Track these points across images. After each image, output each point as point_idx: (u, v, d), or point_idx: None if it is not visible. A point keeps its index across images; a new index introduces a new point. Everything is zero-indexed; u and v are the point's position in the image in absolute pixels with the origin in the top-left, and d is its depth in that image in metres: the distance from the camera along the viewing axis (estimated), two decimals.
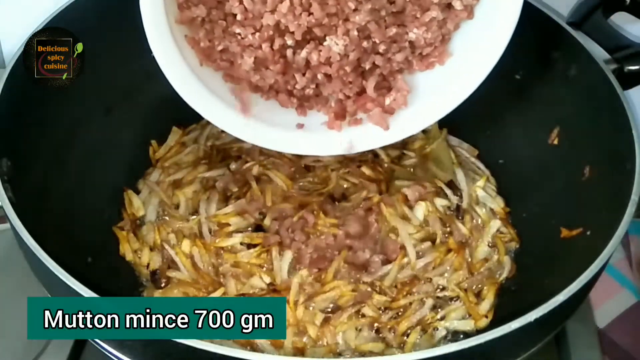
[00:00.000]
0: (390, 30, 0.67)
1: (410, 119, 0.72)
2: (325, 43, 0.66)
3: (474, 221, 0.84)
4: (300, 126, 0.73)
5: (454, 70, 0.71)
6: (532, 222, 0.85)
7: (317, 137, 0.73)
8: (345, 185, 0.87)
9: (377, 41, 0.67)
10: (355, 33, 0.66)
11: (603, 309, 0.85)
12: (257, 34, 0.66)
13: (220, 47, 0.68)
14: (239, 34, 0.67)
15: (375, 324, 0.75)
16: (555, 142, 0.85)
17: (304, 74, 0.69)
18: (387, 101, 0.71)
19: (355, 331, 0.75)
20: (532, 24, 0.83)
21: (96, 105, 0.85)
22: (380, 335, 0.75)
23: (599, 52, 0.81)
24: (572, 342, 0.79)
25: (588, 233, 0.73)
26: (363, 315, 0.75)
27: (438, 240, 0.81)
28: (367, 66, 0.69)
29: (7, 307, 0.80)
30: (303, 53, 0.67)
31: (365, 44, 0.67)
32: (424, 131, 0.93)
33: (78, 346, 0.77)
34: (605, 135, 0.76)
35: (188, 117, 0.93)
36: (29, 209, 0.65)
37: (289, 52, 0.67)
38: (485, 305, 0.77)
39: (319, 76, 0.69)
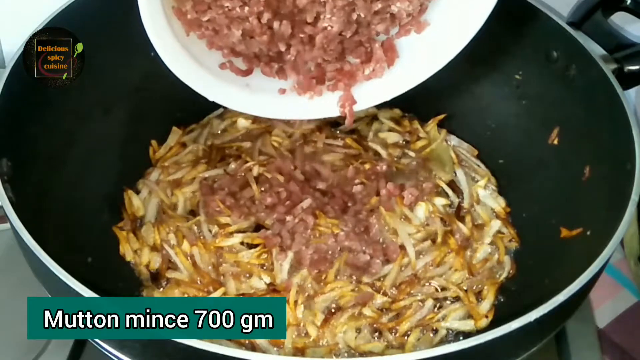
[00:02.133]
0: (376, 5, 0.69)
1: (389, 84, 0.75)
2: (324, 23, 0.68)
3: (475, 221, 0.84)
4: (282, 91, 0.75)
5: (432, 39, 0.74)
6: (532, 222, 0.85)
7: (301, 102, 0.75)
8: (346, 186, 0.87)
9: (362, 15, 0.69)
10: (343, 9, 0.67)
11: (603, 309, 0.85)
12: (246, 7, 0.66)
13: (206, 18, 0.68)
14: (227, 6, 0.67)
15: (376, 325, 0.75)
16: (555, 142, 0.85)
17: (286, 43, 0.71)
18: (367, 71, 0.74)
19: (356, 331, 0.75)
20: (532, 24, 0.84)
21: (96, 105, 0.85)
22: (381, 335, 0.75)
23: (599, 52, 0.81)
24: (572, 342, 0.79)
25: (588, 233, 0.73)
26: (364, 316, 0.75)
27: (439, 240, 0.81)
28: (348, 35, 0.71)
29: (7, 307, 0.80)
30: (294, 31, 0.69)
31: (350, 18, 0.69)
32: (425, 131, 0.94)
33: (78, 346, 0.76)
34: (605, 135, 0.76)
35: (188, 117, 0.93)
36: (29, 209, 0.65)
37: (275, 24, 0.68)
38: (486, 305, 0.77)
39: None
